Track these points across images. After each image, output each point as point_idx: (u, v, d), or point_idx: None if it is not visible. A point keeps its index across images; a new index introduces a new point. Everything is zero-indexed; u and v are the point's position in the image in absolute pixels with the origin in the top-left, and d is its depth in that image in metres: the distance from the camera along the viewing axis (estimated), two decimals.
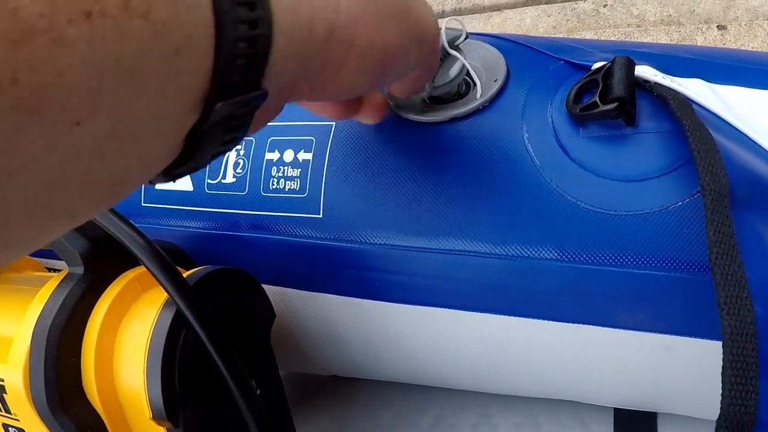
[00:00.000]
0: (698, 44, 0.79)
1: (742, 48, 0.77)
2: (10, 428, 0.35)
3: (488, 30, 0.88)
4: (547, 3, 0.86)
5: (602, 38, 0.76)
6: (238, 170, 0.39)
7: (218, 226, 0.40)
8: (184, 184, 0.41)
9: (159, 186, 0.42)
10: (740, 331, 0.26)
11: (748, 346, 0.26)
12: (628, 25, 0.81)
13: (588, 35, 0.79)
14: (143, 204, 0.43)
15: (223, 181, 0.40)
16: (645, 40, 0.80)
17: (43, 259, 0.48)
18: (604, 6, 0.84)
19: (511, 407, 0.46)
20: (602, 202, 0.31)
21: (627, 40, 0.79)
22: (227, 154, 0.40)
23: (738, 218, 0.28)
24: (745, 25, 0.80)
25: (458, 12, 0.91)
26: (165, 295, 0.32)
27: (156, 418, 0.31)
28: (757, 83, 0.34)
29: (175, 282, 0.30)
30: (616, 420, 0.43)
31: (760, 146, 0.31)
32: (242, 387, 0.32)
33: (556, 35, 0.82)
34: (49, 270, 0.47)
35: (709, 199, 0.27)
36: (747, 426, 0.25)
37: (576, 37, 0.78)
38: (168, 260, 0.31)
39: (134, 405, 0.33)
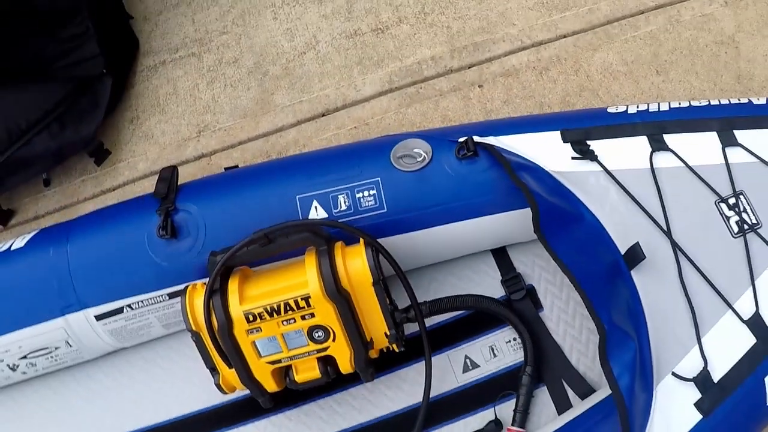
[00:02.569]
0: (470, 98, 1.56)
1: (492, 96, 1.56)
2: (306, 316, 0.97)
3: (365, 113, 1.54)
4: (391, 92, 1.60)
5: (422, 107, 1.50)
6: (348, 202, 1.06)
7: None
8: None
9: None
10: None
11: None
12: (435, 96, 1.55)
13: (415, 106, 1.51)
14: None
15: (341, 208, 1.06)
16: (445, 104, 1.54)
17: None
18: (421, 88, 1.60)
19: (441, 268, 1.18)
20: (455, 180, 1.05)
21: (437, 108, 1.55)
22: (339, 197, 1.07)
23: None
24: (491, 82, 1.59)
25: (345, 106, 1.59)
26: (360, 246, 0.99)
27: (375, 283, 0.98)
28: (514, 131, 1.09)
29: (370, 237, 0.98)
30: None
31: (515, 154, 1.05)
32: (397, 266, 1.01)
33: (401, 109, 1.54)
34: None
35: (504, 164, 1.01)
36: None
37: (406, 107, 1.53)
38: (365, 231, 0.98)
39: (360, 282, 0.98)
